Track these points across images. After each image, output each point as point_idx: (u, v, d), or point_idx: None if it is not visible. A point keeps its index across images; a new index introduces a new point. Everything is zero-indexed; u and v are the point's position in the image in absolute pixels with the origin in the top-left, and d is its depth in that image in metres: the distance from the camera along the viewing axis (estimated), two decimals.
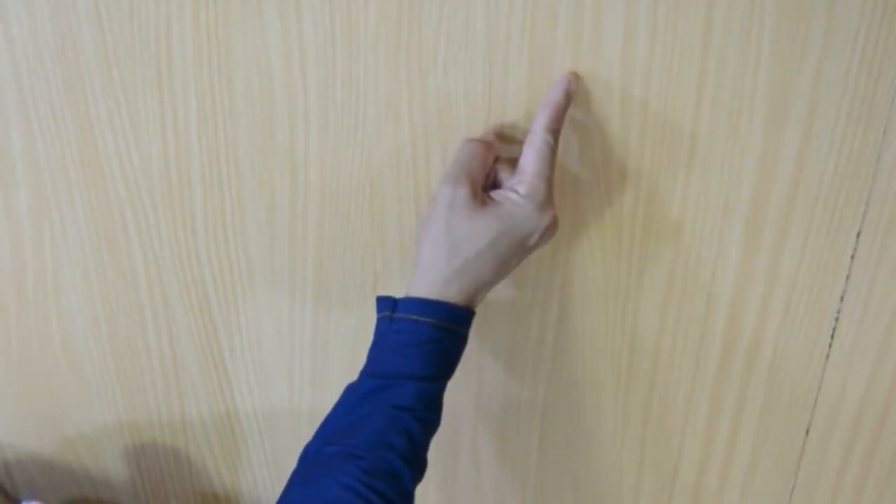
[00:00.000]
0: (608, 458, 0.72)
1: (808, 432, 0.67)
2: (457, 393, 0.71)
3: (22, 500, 0.78)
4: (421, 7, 0.55)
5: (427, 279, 0.54)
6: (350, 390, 0.56)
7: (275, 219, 0.65)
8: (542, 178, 0.53)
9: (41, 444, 0.83)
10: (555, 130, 0.54)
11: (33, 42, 0.61)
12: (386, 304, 0.55)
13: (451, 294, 0.53)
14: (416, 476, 0.55)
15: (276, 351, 0.72)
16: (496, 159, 0.57)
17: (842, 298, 0.61)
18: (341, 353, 0.71)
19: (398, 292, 0.66)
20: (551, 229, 0.55)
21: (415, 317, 0.53)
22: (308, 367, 0.72)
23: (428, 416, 0.55)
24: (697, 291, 0.62)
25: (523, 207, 0.53)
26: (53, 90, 0.63)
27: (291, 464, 0.81)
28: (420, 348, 0.53)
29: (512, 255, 0.54)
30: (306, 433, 0.76)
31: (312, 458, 0.55)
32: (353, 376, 0.72)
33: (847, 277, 0.60)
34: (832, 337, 0.63)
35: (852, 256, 0.59)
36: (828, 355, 0.63)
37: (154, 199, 0.66)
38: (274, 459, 0.79)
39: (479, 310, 0.66)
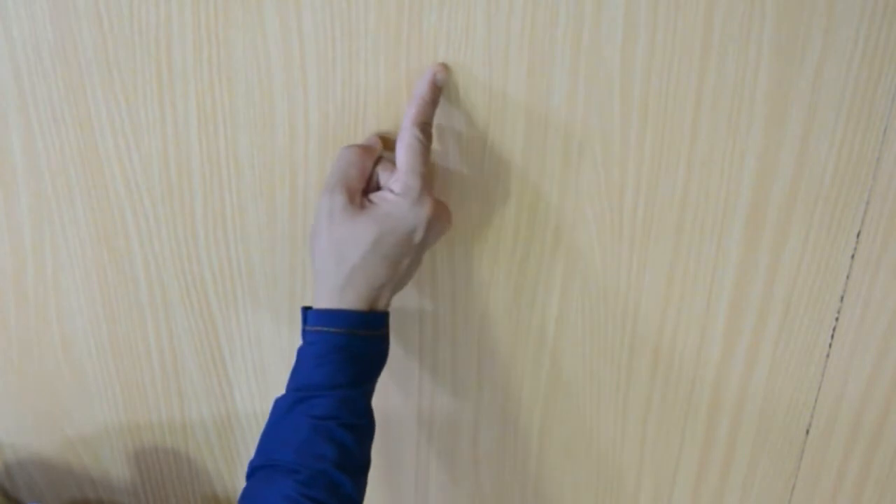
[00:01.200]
0: (608, 458, 0.72)
1: (808, 432, 0.67)
2: (456, 393, 0.71)
3: (24, 502, 0.78)
4: (421, 7, 0.55)
5: (323, 289, 0.55)
6: (276, 404, 0.57)
7: (275, 219, 0.65)
8: (414, 174, 0.53)
9: (41, 444, 0.83)
10: (423, 123, 0.54)
11: (33, 42, 0.61)
12: (302, 316, 0.57)
13: (348, 301, 0.54)
14: (357, 479, 0.55)
15: (276, 351, 0.72)
16: (377, 160, 0.57)
17: (842, 298, 0.61)
18: None
19: (397, 293, 0.67)
20: (436, 222, 0.54)
21: (319, 328, 0.55)
22: None
23: (355, 421, 0.55)
24: (697, 291, 0.62)
25: (398, 205, 0.53)
26: (53, 90, 0.63)
27: None
28: (330, 357, 0.54)
29: (400, 253, 0.54)
30: None
31: (255, 473, 0.56)
32: None
33: (847, 277, 0.60)
34: (832, 337, 0.63)
35: (852, 256, 0.59)
36: (828, 355, 0.63)
37: (154, 199, 0.66)
38: None
39: (478, 309, 0.66)
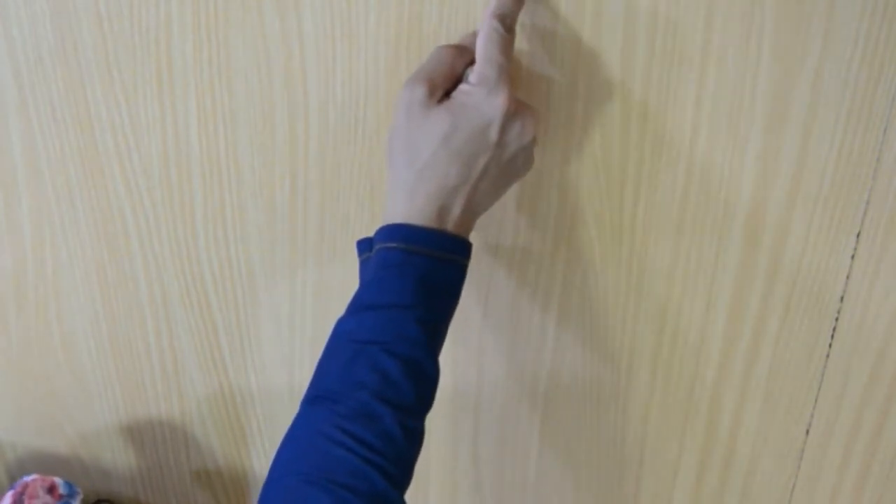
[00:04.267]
0: (608, 458, 0.72)
1: (808, 432, 0.67)
2: (457, 393, 0.71)
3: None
4: (421, 7, 0.55)
5: (394, 197, 0.51)
6: (334, 327, 0.53)
7: (275, 219, 0.65)
8: (491, 63, 0.49)
9: (41, 444, 0.83)
10: (502, 16, 0.50)
11: (33, 42, 0.61)
12: (363, 246, 0.53)
13: (417, 204, 0.50)
14: (403, 418, 0.48)
15: (276, 351, 0.72)
16: (470, 63, 0.53)
17: (842, 298, 0.61)
18: None
19: None
20: (515, 118, 0.50)
21: (384, 244, 0.50)
22: (308, 367, 0.72)
23: (406, 352, 0.49)
24: (697, 291, 0.62)
25: (471, 95, 0.50)
26: (53, 90, 0.63)
27: None
28: (385, 273, 0.49)
29: (474, 151, 0.50)
30: None
31: (302, 406, 0.51)
32: None
33: (847, 277, 0.60)
34: (832, 337, 0.63)
35: (852, 256, 0.59)
36: (828, 355, 0.63)
37: (154, 199, 0.66)
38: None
39: (479, 310, 0.66)
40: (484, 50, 0.50)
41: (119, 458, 0.83)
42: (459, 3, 0.54)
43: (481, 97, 0.49)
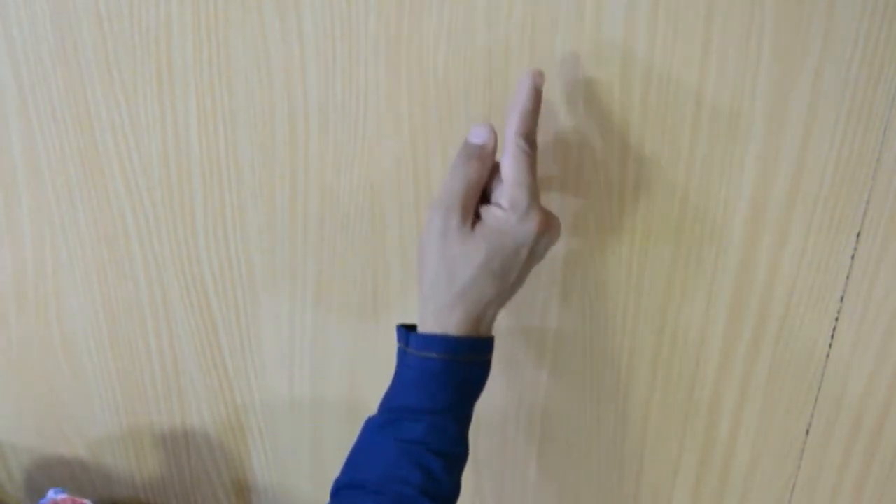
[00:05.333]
0: (608, 458, 0.72)
1: (808, 432, 0.67)
2: None
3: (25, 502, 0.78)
4: (421, 7, 0.55)
5: (431, 310, 0.54)
6: (367, 424, 0.56)
7: (275, 219, 0.65)
8: (521, 187, 0.51)
9: (41, 444, 0.83)
10: (527, 133, 0.52)
11: (33, 42, 0.61)
12: (401, 336, 0.56)
13: (455, 321, 0.53)
14: None
15: (276, 351, 0.72)
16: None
17: (842, 298, 0.61)
18: (341, 353, 0.71)
19: (398, 292, 0.67)
20: (545, 235, 0.53)
21: (423, 353, 0.53)
22: (308, 367, 0.72)
23: (446, 448, 0.54)
24: (697, 291, 0.62)
25: (507, 221, 0.52)
26: (53, 90, 0.63)
27: (291, 463, 0.81)
28: (428, 382, 0.53)
29: (509, 269, 0.53)
30: (306, 433, 0.76)
31: (339, 493, 0.55)
32: (354, 376, 0.72)
33: (847, 277, 0.60)
34: (832, 337, 0.63)
35: (852, 256, 0.59)
36: (828, 355, 0.63)
37: (154, 199, 0.66)
38: (274, 459, 0.79)
39: None
40: (513, 172, 0.51)
41: (119, 457, 0.83)
42: (459, 3, 0.54)
43: (515, 222, 0.51)
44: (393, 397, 0.55)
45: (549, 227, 0.53)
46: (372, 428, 0.55)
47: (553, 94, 0.57)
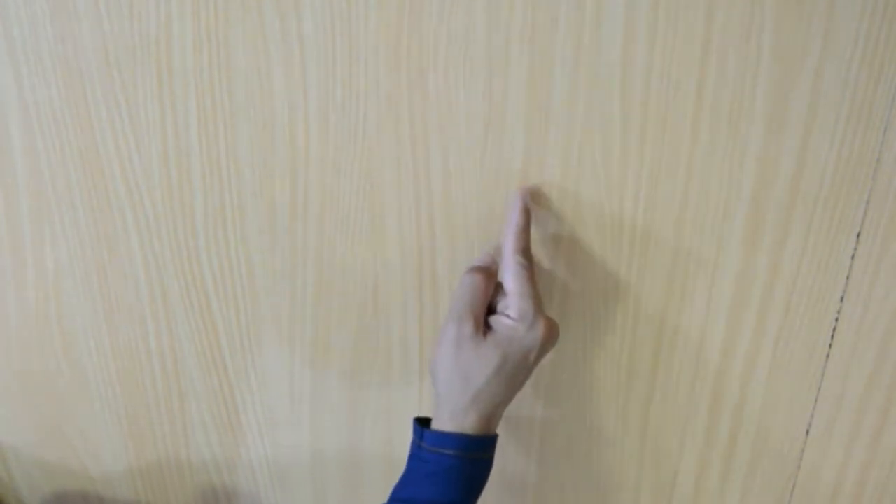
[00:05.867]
0: (608, 458, 0.72)
1: (808, 432, 0.67)
2: None
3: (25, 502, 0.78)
4: (421, 7, 0.55)
5: (446, 410, 0.58)
6: None
7: (275, 219, 0.65)
8: (526, 298, 0.56)
9: (41, 443, 0.83)
10: (524, 249, 0.57)
11: (33, 42, 0.61)
12: (416, 431, 0.60)
13: (470, 421, 0.57)
14: None
15: (277, 351, 0.72)
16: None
17: (842, 299, 0.61)
18: (341, 353, 0.71)
19: (398, 292, 0.67)
20: (549, 339, 0.57)
21: (438, 449, 0.57)
22: (308, 367, 0.72)
23: None
24: (697, 292, 0.62)
25: (517, 330, 0.56)
26: (53, 90, 0.63)
27: (291, 463, 0.81)
28: (442, 477, 0.57)
29: (519, 372, 0.58)
30: (306, 433, 0.76)
31: None
32: (354, 376, 0.72)
33: (847, 277, 0.60)
34: (832, 337, 0.63)
35: (852, 256, 0.59)
36: (828, 355, 0.63)
37: (154, 200, 0.66)
38: (274, 459, 0.79)
39: None
40: (516, 286, 0.57)
41: (119, 457, 0.83)
42: (459, 3, 0.54)
43: (524, 331, 0.57)
44: (408, 488, 0.59)
45: (552, 332, 0.58)
46: None
47: (553, 94, 0.57)
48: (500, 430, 0.72)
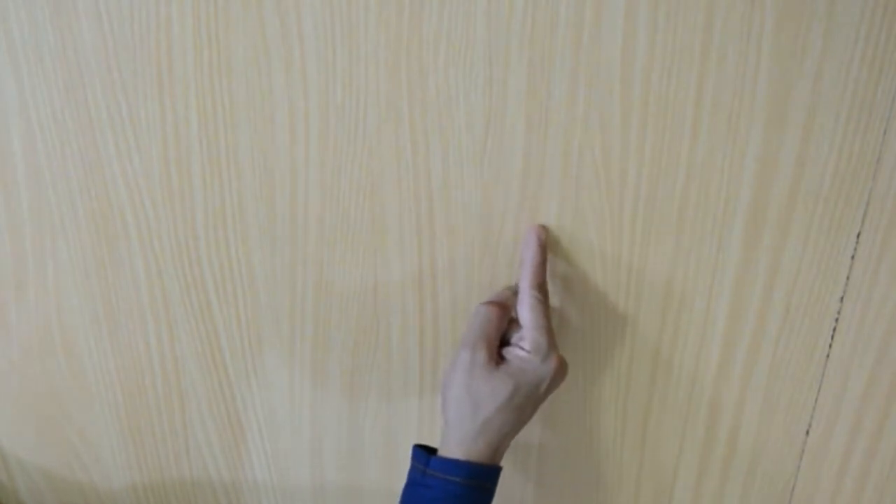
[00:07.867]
0: (608, 458, 0.72)
1: (808, 432, 0.67)
2: None
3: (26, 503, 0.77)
4: (421, 7, 0.55)
5: (456, 437, 0.58)
6: None
7: (275, 219, 0.65)
8: (541, 331, 0.58)
9: (41, 444, 0.83)
10: (540, 284, 0.59)
11: (33, 42, 0.61)
12: (420, 458, 0.59)
13: (478, 449, 0.58)
14: None
15: (277, 351, 0.72)
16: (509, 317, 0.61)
17: (842, 299, 0.61)
18: (342, 354, 0.71)
19: (398, 292, 0.67)
20: (559, 374, 0.58)
21: (445, 476, 0.58)
22: (308, 367, 0.72)
23: None
24: (697, 292, 0.62)
25: (530, 362, 0.57)
26: (53, 90, 0.63)
27: (291, 464, 0.81)
28: (443, 501, 0.57)
29: (528, 403, 0.58)
30: (307, 433, 0.76)
31: None
32: (354, 377, 0.72)
33: (847, 278, 0.60)
34: (832, 337, 0.63)
35: (852, 257, 0.59)
36: (828, 355, 0.63)
37: (154, 200, 0.66)
38: (274, 459, 0.79)
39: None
40: (532, 319, 0.58)
41: (119, 458, 0.83)
42: (459, 3, 0.54)
43: (537, 363, 0.58)
44: None
45: (563, 368, 0.59)
46: None
47: (553, 94, 0.57)
48: None
